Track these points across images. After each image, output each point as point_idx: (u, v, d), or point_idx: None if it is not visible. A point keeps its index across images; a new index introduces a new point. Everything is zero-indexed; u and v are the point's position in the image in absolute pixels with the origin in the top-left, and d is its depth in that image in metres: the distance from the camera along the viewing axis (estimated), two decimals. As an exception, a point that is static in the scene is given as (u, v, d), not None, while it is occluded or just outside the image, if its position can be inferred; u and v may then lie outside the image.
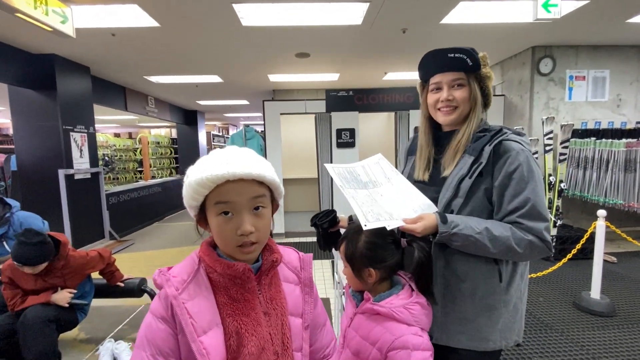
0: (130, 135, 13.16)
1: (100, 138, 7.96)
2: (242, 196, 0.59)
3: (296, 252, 0.76)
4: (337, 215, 1.25)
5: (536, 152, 3.96)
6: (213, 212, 0.61)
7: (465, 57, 0.85)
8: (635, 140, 3.48)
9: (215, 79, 5.36)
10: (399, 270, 0.94)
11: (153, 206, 6.34)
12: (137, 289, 2.10)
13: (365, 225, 0.80)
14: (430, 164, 0.98)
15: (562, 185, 3.71)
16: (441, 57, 0.88)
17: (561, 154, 3.81)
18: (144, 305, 2.66)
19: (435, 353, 0.87)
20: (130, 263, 3.92)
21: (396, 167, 1.06)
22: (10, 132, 8.74)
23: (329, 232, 1.22)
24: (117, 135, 12.65)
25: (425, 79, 0.96)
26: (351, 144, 4.73)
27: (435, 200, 0.91)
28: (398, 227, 0.86)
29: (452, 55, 0.85)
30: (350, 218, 1.28)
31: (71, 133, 4.18)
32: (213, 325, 0.59)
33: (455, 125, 0.94)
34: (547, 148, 3.83)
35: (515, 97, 4.43)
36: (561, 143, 3.78)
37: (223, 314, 0.61)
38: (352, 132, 4.71)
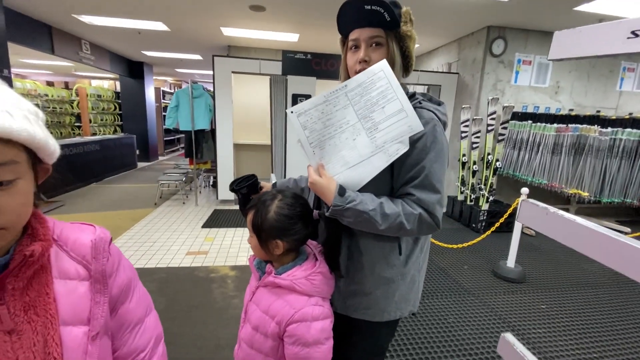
0: (66, 86, 11.64)
1: (27, 85, 6.96)
2: None
3: (90, 234, 0.55)
4: (259, 181, 1.18)
5: (479, 131, 4.15)
6: None
7: (382, 11, 0.78)
8: (564, 125, 3.77)
9: (160, 26, 4.78)
10: (307, 241, 0.92)
11: (89, 165, 5.77)
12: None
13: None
14: None
15: (497, 164, 3.96)
16: (358, 8, 0.80)
17: (500, 135, 4.03)
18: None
19: (337, 321, 0.88)
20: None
21: None
22: None
23: (250, 198, 1.16)
24: (50, 83, 11.12)
25: (344, 33, 0.90)
26: (307, 111, 4.59)
27: None
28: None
29: (369, 7, 0.78)
30: (274, 185, 1.22)
31: (-22, 75, 3.55)
32: None
33: None
34: (490, 128, 4.03)
35: (467, 76, 4.54)
36: (501, 124, 3.98)
37: None
38: (308, 98, 4.55)
